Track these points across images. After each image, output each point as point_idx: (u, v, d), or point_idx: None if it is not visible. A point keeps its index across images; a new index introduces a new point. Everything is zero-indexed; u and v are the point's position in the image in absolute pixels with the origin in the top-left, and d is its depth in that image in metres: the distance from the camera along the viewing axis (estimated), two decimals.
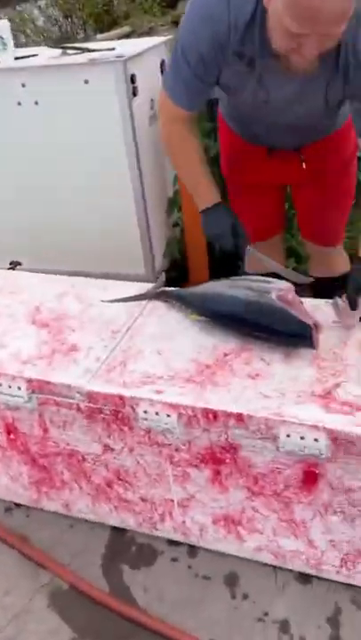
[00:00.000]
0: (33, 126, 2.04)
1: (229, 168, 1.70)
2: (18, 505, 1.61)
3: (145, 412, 1.20)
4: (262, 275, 1.88)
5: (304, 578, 1.35)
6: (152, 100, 2.05)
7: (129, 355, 1.34)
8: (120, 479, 1.38)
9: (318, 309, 1.40)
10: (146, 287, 1.62)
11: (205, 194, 1.43)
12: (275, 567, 1.37)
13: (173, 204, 2.40)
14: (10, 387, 1.32)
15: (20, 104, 2.01)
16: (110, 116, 1.95)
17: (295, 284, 1.32)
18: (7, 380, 1.32)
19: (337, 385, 1.17)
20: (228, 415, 1.14)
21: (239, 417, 1.14)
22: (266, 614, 1.30)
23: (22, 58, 2.09)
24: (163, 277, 1.62)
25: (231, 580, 1.37)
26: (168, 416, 1.19)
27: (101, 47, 1.97)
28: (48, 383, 1.29)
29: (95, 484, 1.43)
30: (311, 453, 1.10)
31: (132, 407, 1.22)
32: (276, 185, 1.61)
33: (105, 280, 1.67)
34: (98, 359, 1.33)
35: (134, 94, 1.94)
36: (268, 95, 1.28)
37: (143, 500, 1.40)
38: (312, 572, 1.33)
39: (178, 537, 1.44)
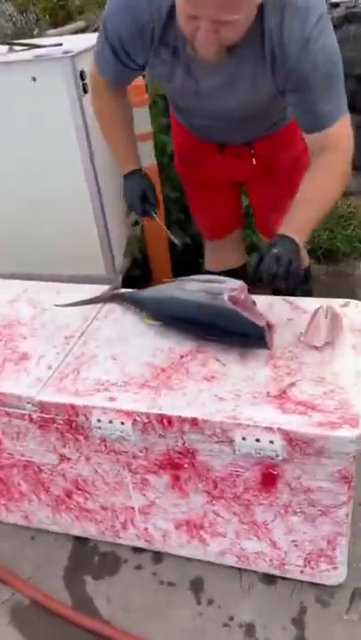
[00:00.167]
0: None
1: (183, 165, 1.67)
2: None
3: (98, 420, 1.17)
4: (220, 273, 1.87)
5: (269, 579, 1.34)
6: None
7: (82, 361, 1.30)
8: (79, 489, 1.35)
9: (273, 307, 1.38)
10: (102, 289, 1.58)
11: (123, 161, 1.52)
12: (240, 569, 1.36)
13: None
14: None
15: None
16: (61, 114, 1.89)
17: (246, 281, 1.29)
18: None
19: (292, 384, 1.15)
20: (183, 420, 1.12)
21: (194, 421, 1.11)
22: (231, 619, 1.28)
23: None
24: (119, 279, 1.59)
25: (196, 586, 1.35)
26: (122, 424, 1.15)
27: (49, 43, 1.91)
28: None
29: (54, 495, 1.39)
30: (267, 455, 1.08)
31: (86, 416, 1.19)
32: (229, 181, 1.59)
33: (59, 283, 1.63)
34: (50, 367, 1.29)
35: (85, 91, 1.89)
36: (197, 85, 1.27)
37: (104, 508, 1.37)
38: (276, 572, 1.32)
39: (141, 544, 1.41)
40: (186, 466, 1.20)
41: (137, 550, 1.43)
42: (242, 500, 1.21)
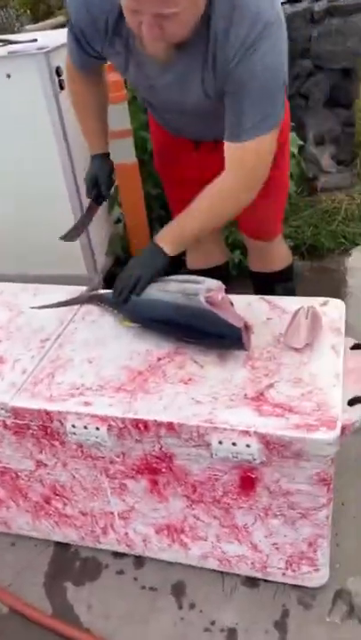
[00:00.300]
0: None
1: (160, 162, 1.65)
2: None
3: (73, 426, 1.14)
4: (202, 270, 1.85)
5: (252, 581, 1.33)
6: None
7: (57, 365, 1.28)
8: (57, 494, 1.33)
9: (252, 306, 1.36)
10: (80, 290, 1.55)
11: (90, 145, 1.54)
12: (222, 573, 1.34)
13: (114, 200, 2.33)
14: None
15: None
16: (37, 111, 1.86)
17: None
18: None
19: (270, 386, 1.13)
20: (159, 425, 1.10)
21: (170, 426, 1.09)
22: (213, 623, 1.26)
23: None
24: (96, 280, 1.56)
25: (178, 590, 1.34)
26: (97, 429, 1.13)
27: (24, 39, 1.87)
28: None
29: (33, 501, 1.37)
30: (245, 459, 1.06)
31: (60, 422, 1.16)
32: (207, 178, 1.56)
33: (37, 285, 1.60)
34: (24, 372, 1.27)
35: (62, 88, 1.86)
36: (148, 81, 1.25)
37: (83, 514, 1.34)
38: (258, 575, 1.30)
39: (122, 549, 1.39)
40: (164, 470, 1.17)
41: (118, 555, 1.42)
42: (221, 503, 1.19)
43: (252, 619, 1.26)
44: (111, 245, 2.37)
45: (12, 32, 3.73)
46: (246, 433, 1.04)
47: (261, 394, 1.12)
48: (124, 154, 2.13)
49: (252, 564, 1.28)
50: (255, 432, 1.04)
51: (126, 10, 1.05)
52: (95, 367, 1.25)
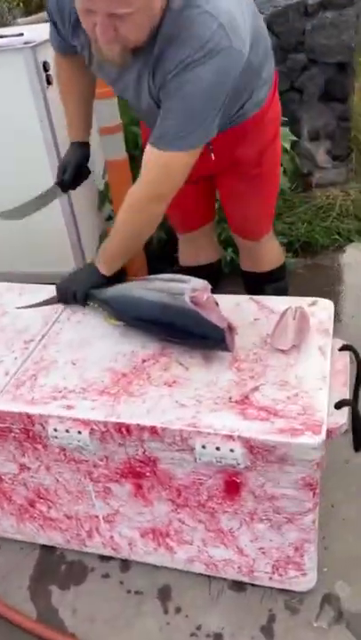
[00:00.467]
0: None
1: None
2: None
3: (55, 429, 1.12)
4: (195, 267, 1.83)
5: (239, 585, 1.31)
6: None
7: (41, 367, 1.25)
8: (41, 497, 1.31)
9: (240, 306, 1.34)
10: None
11: (69, 130, 1.52)
12: (209, 576, 1.32)
13: (105, 197, 2.31)
14: None
15: None
16: (24, 107, 1.83)
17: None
18: None
19: (255, 388, 1.11)
20: (142, 429, 1.08)
21: (153, 430, 1.07)
22: (199, 628, 1.25)
23: None
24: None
25: (164, 594, 1.32)
26: (79, 433, 1.11)
27: (10, 33, 1.84)
28: None
29: (17, 504, 1.35)
30: (228, 464, 1.04)
31: (42, 425, 1.14)
32: (194, 176, 1.53)
33: (22, 284, 1.57)
34: (7, 373, 1.24)
35: (49, 83, 1.83)
36: (109, 81, 1.23)
37: (68, 517, 1.33)
38: (245, 579, 1.29)
39: (108, 552, 1.37)
40: (148, 474, 1.15)
41: (104, 558, 1.40)
42: (206, 507, 1.17)
43: (238, 623, 1.25)
44: (103, 242, 2.34)
45: (5, 25, 3.68)
46: (230, 437, 1.02)
47: (246, 397, 1.10)
48: (114, 149, 2.10)
49: (239, 568, 1.26)
50: (239, 436, 1.02)
51: (80, 11, 1.04)
52: (79, 369, 1.23)
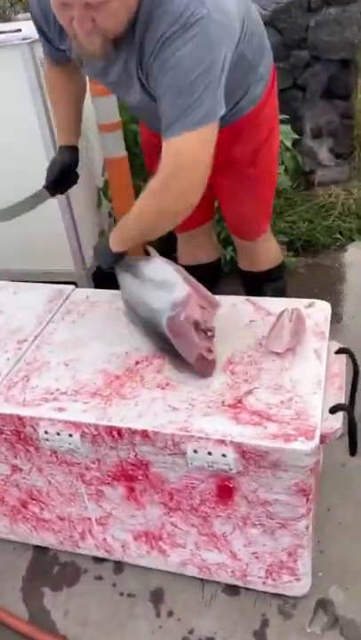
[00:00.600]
0: None
1: (148, 160, 1.60)
2: None
3: (46, 432, 1.11)
4: (194, 266, 1.81)
5: (232, 589, 1.29)
6: None
7: (33, 367, 1.24)
8: (34, 499, 1.30)
9: (236, 307, 1.32)
10: (62, 289, 1.52)
11: (57, 135, 1.51)
12: (202, 580, 1.31)
13: (104, 194, 2.29)
14: None
15: None
16: (22, 103, 1.81)
17: None
18: None
19: (249, 392, 1.10)
20: (133, 432, 1.06)
21: (144, 433, 1.06)
22: (191, 632, 1.24)
23: None
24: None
25: (157, 597, 1.31)
26: (70, 436, 1.10)
27: (7, 29, 1.82)
28: None
29: (10, 505, 1.34)
30: (220, 469, 1.03)
31: (33, 427, 1.13)
32: None
33: (17, 283, 1.56)
34: None
35: None
36: (98, 78, 1.21)
37: (61, 518, 1.32)
38: (239, 583, 1.27)
39: (101, 554, 1.36)
40: (140, 477, 1.14)
41: (98, 560, 1.39)
42: (199, 511, 1.16)
43: (231, 627, 1.24)
44: (102, 239, 2.32)
45: (7, 20, 3.66)
46: (222, 442, 1.01)
47: (240, 401, 1.08)
48: (113, 147, 2.08)
49: (232, 572, 1.25)
50: (231, 441, 1.01)
51: (56, 7, 1.02)
52: (72, 370, 1.22)
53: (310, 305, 1.30)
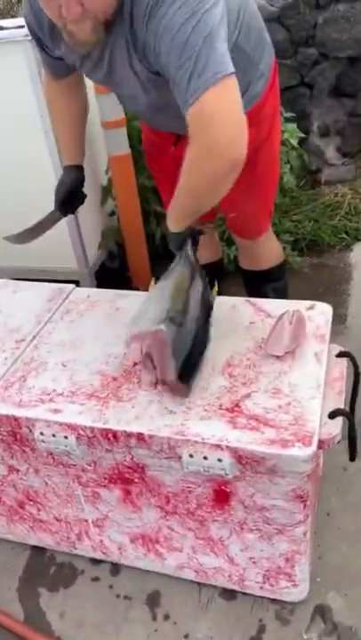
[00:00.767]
0: None
1: (148, 158, 1.60)
2: None
3: (41, 433, 1.10)
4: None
5: (229, 593, 1.28)
6: None
7: (31, 368, 1.23)
8: (31, 500, 1.29)
9: (236, 309, 1.31)
10: (62, 288, 1.51)
11: (63, 155, 1.50)
12: (199, 583, 1.30)
13: (108, 192, 2.27)
14: None
15: None
16: (25, 101, 1.80)
17: None
18: None
19: (247, 396, 1.08)
20: (129, 435, 1.05)
21: (140, 437, 1.04)
22: (187, 636, 1.23)
23: None
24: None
25: (153, 600, 1.30)
26: (66, 437, 1.09)
27: (11, 25, 1.81)
28: None
29: (7, 505, 1.34)
30: (216, 474, 1.02)
31: (29, 428, 1.12)
32: None
33: (17, 281, 1.56)
34: None
35: None
36: (96, 72, 1.20)
37: (58, 519, 1.31)
38: (236, 588, 1.26)
39: (98, 555, 1.36)
40: (136, 480, 1.13)
41: (95, 561, 1.38)
42: (196, 515, 1.14)
43: (227, 633, 1.22)
44: (104, 239, 2.32)
45: (13, 17, 3.65)
46: (218, 447, 1.00)
47: (237, 405, 1.07)
48: (117, 144, 2.07)
49: (229, 576, 1.24)
50: (227, 446, 0.99)
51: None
52: (69, 371, 1.21)
53: (311, 307, 1.28)
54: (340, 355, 1.20)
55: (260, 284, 1.67)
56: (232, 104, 1.01)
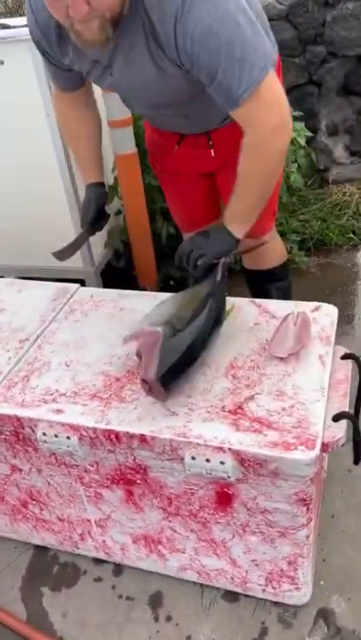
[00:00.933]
0: None
1: (151, 157, 1.59)
2: None
3: (44, 434, 1.10)
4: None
5: (232, 595, 1.28)
6: None
7: (34, 368, 1.23)
8: (33, 499, 1.29)
9: (240, 310, 1.30)
10: (67, 287, 1.51)
11: (83, 173, 1.48)
12: (201, 585, 1.30)
13: (114, 191, 2.27)
14: None
15: None
16: (32, 100, 1.80)
17: None
18: None
19: (250, 398, 1.07)
20: (131, 436, 1.05)
21: (142, 438, 1.04)
22: (189, 638, 1.22)
23: None
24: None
25: (155, 601, 1.30)
26: (68, 438, 1.09)
27: (17, 24, 1.80)
28: None
29: (10, 504, 1.34)
30: (219, 476, 1.01)
31: (32, 428, 1.12)
32: (194, 173, 1.49)
33: (22, 280, 1.56)
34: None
35: None
36: (105, 74, 1.18)
37: (60, 519, 1.31)
38: (238, 590, 1.26)
39: (101, 555, 1.36)
40: (138, 482, 1.13)
41: (98, 561, 1.38)
42: (198, 517, 1.14)
43: (229, 635, 1.22)
44: (110, 238, 2.31)
45: (21, 15, 3.64)
46: (220, 449, 0.99)
47: (240, 407, 1.06)
48: (123, 143, 2.06)
49: (232, 578, 1.23)
50: (230, 449, 0.98)
51: (50, 1, 1.00)
52: (72, 371, 1.21)
53: (316, 309, 1.27)
54: (346, 357, 1.19)
55: (264, 283, 1.66)
56: (281, 89, 1.12)
